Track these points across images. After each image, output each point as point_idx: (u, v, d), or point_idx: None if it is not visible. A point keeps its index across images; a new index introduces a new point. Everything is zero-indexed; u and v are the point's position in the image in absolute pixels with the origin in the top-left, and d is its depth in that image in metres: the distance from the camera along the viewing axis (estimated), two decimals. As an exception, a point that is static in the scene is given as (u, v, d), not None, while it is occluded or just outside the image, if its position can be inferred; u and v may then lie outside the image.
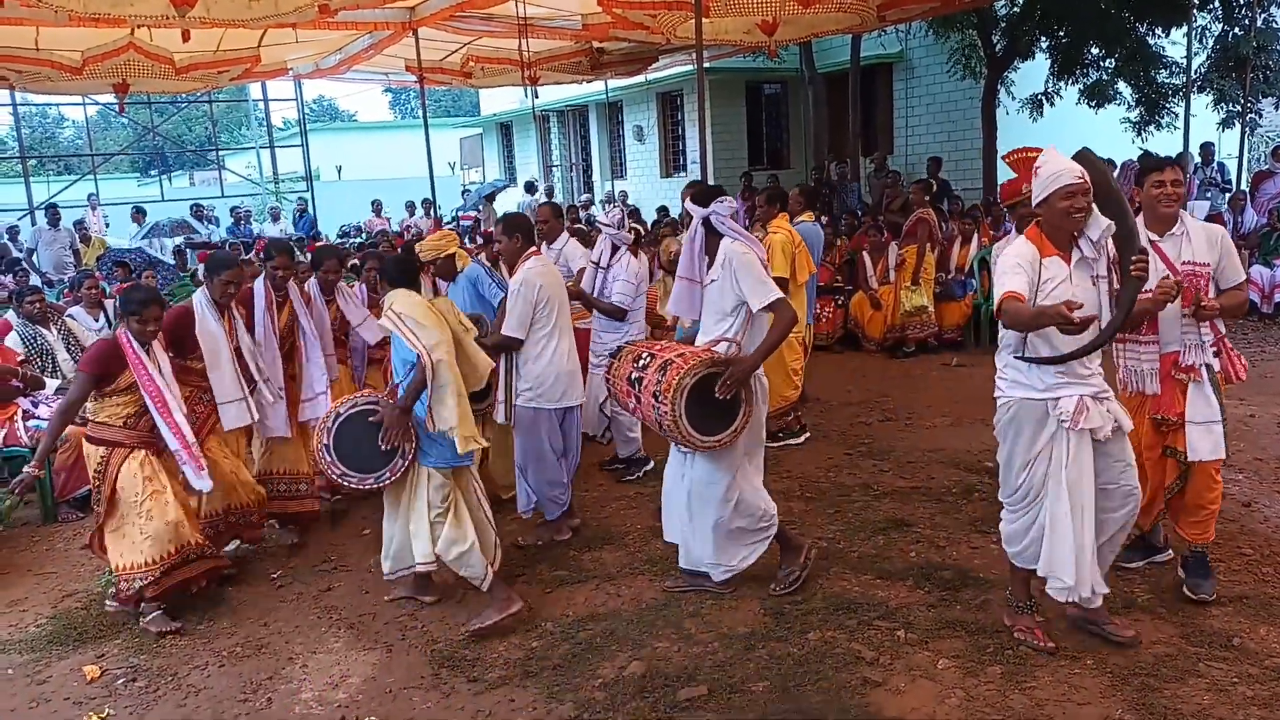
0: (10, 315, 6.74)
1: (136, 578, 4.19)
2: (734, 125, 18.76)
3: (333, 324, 5.53)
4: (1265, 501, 4.98)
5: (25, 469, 4.22)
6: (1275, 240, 10.15)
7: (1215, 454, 3.80)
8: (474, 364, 4.28)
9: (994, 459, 3.79)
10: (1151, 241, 3.74)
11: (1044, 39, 12.87)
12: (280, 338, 5.10)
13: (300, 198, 17.90)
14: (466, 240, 11.12)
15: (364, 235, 15.48)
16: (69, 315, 7.07)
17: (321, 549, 5.14)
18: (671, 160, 20.19)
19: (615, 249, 5.75)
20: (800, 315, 5.52)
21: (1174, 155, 4.79)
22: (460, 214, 16.99)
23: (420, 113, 12.56)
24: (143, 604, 4.26)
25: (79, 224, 14.71)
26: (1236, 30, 12.05)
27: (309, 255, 7.09)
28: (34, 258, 13.04)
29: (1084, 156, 3.44)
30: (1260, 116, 13.39)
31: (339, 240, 15.45)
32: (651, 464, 5.94)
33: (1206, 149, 12.16)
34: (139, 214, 15.45)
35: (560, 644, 3.93)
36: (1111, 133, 13.18)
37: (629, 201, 17.16)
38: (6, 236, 13.82)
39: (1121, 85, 13.00)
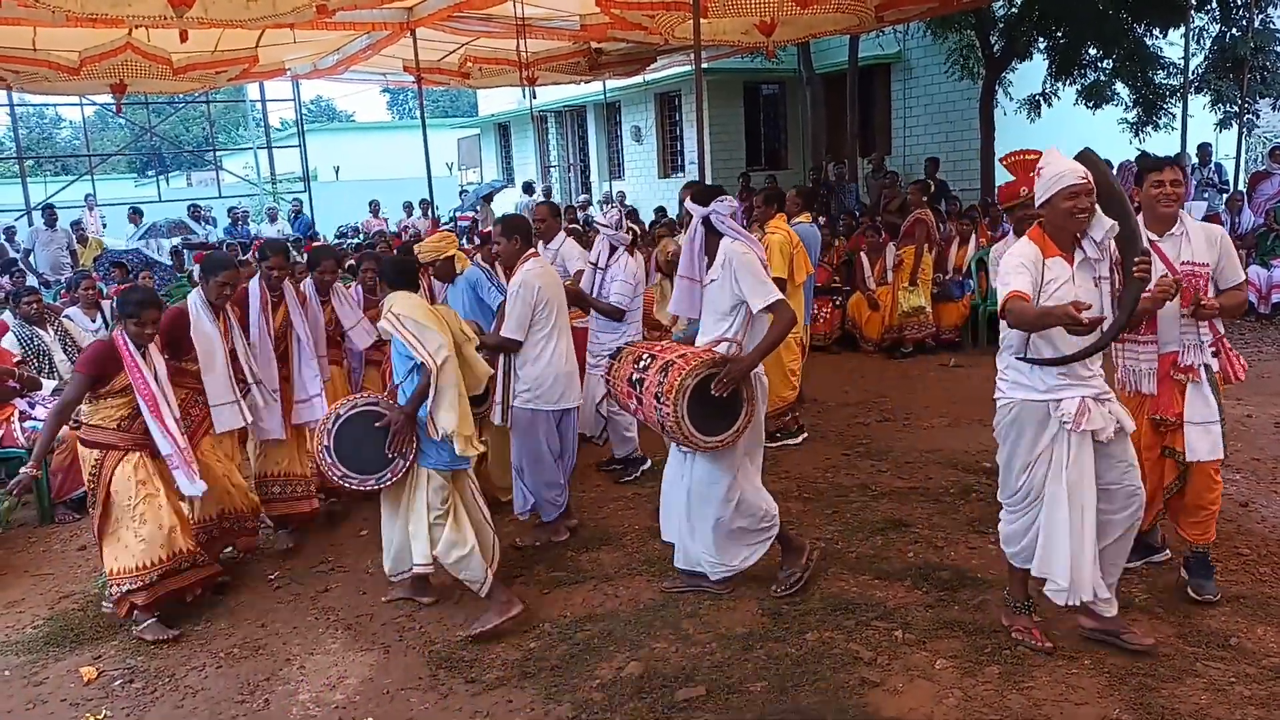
0: (7, 316, 6.73)
1: (127, 582, 4.14)
2: (732, 126, 18.76)
3: (327, 325, 5.52)
4: (1262, 501, 4.99)
5: (22, 470, 4.19)
6: (1272, 241, 10.16)
7: (1214, 455, 3.80)
8: (474, 371, 4.28)
9: (991, 459, 3.79)
10: (1151, 241, 3.73)
11: (1042, 39, 12.89)
12: (275, 339, 5.08)
13: (295, 199, 17.86)
14: (464, 241, 11.12)
15: (361, 236, 15.48)
16: (66, 316, 7.06)
17: (319, 550, 5.13)
18: (669, 161, 20.19)
19: (613, 249, 5.75)
20: (798, 316, 5.52)
21: (1172, 155, 4.79)
22: (458, 214, 16.99)
23: (418, 113, 12.56)
24: (135, 613, 4.21)
25: (76, 224, 14.72)
26: (1234, 31, 12.07)
27: (305, 255, 7.07)
28: (31, 258, 13.04)
29: (1086, 157, 3.42)
30: (1257, 117, 13.43)
31: (336, 241, 15.43)
32: (649, 463, 5.94)
33: (1204, 149, 12.17)
34: (136, 215, 15.45)
35: (558, 645, 3.92)
36: (1109, 133, 13.19)
37: (627, 202, 17.15)
38: (3, 237, 13.81)
39: (1119, 86, 13.03)
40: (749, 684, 3.52)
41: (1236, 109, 11.88)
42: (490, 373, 4.49)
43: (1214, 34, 12.44)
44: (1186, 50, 11.08)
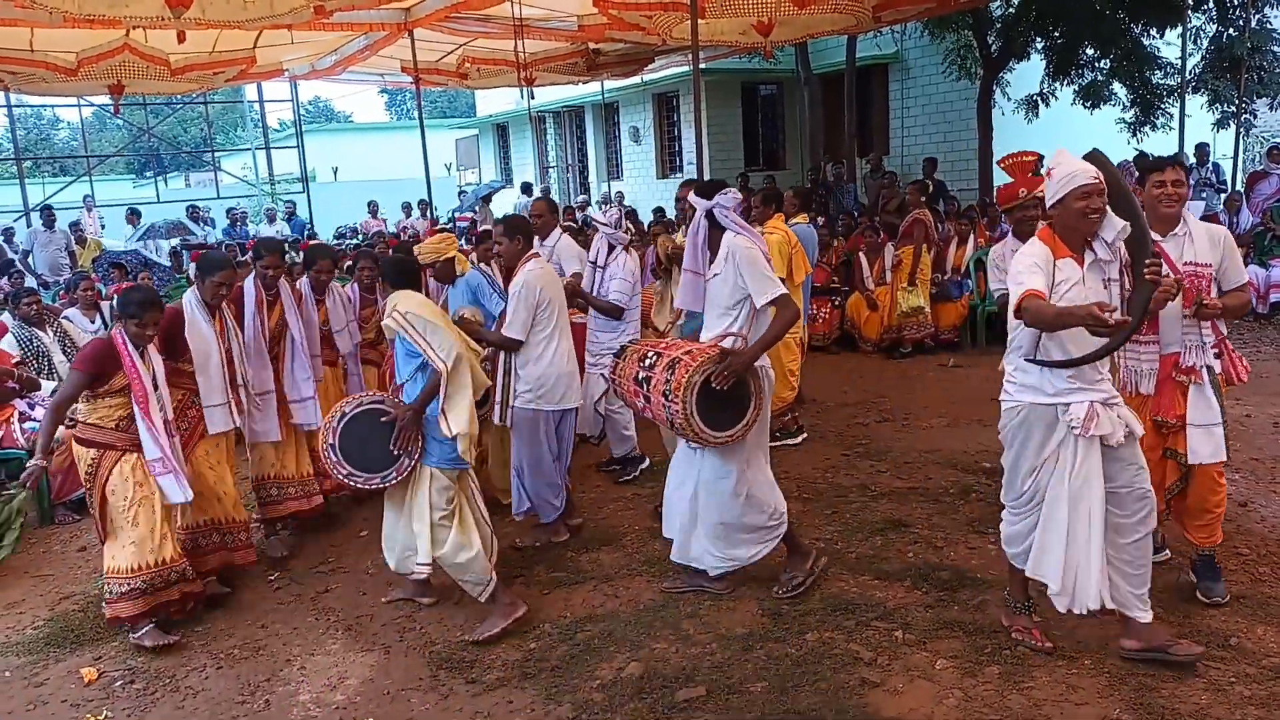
0: (6, 317, 6.74)
1: (115, 582, 4.10)
2: (730, 126, 18.77)
3: (321, 325, 5.50)
4: (1261, 501, 4.99)
5: (31, 462, 4.13)
6: (1270, 241, 10.18)
7: (1216, 457, 3.80)
8: (474, 381, 4.27)
9: (991, 459, 3.79)
10: (1154, 242, 3.73)
11: (1039, 40, 12.89)
12: (271, 339, 5.06)
13: (289, 200, 17.77)
14: (462, 241, 11.11)
15: (360, 236, 15.47)
16: (65, 317, 7.06)
17: (319, 551, 5.13)
18: (668, 161, 20.19)
19: (611, 248, 5.76)
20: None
21: (1172, 155, 4.79)
22: (456, 215, 16.98)
23: (416, 114, 12.55)
24: (122, 623, 4.16)
25: (74, 226, 14.71)
26: (1231, 31, 12.08)
27: (302, 254, 7.06)
28: (29, 259, 13.03)
29: (1095, 158, 3.39)
30: (1255, 117, 13.43)
31: (335, 241, 15.42)
32: (648, 462, 5.95)
33: (1201, 150, 12.19)
34: (134, 216, 15.42)
35: (558, 645, 3.93)
36: (1106, 133, 13.18)
37: (625, 202, 17.16)
38: (2, 238, 13.78)
39: (1116, 86, 13.02)
40: (749, 684, 3.53)
41: (1234, 109, 11.89)
42: (488, 384, 4.49)
43: (1211, 34, 12.44)
44: (1184, 50, 11.08)
